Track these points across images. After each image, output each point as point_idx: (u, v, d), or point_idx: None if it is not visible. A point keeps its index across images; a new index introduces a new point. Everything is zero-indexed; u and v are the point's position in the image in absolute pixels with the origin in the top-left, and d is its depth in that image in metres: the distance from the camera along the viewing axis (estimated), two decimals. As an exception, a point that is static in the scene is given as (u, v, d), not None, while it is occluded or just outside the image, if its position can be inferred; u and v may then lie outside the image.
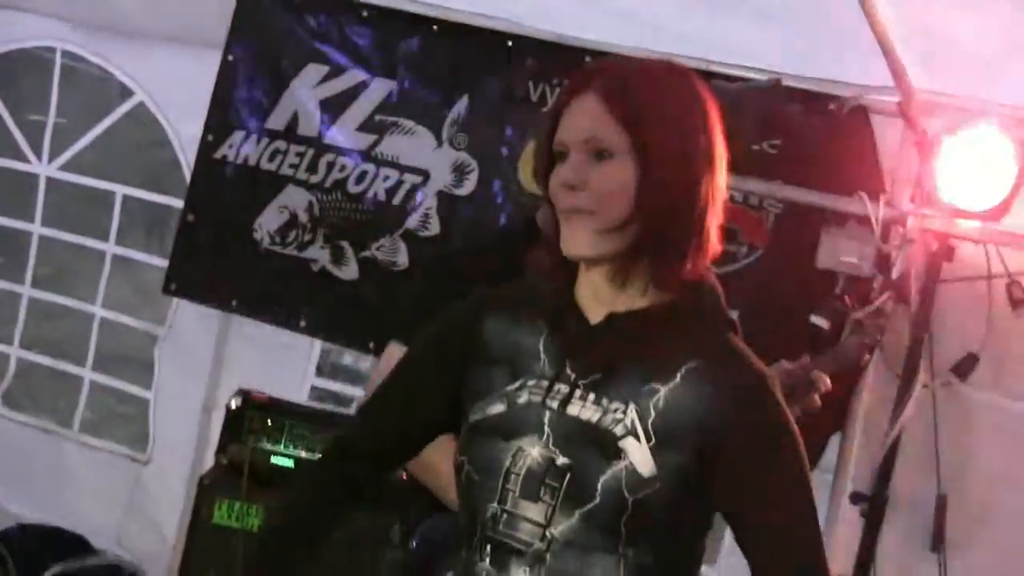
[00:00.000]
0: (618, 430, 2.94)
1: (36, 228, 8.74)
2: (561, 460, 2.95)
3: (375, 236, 7.43)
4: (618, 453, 2.92)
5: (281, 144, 7.63)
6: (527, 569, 2.97)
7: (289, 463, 6.41)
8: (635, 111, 2.91)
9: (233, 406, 6.59)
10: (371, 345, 7.53)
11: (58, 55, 8.60)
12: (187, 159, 8.03)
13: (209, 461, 7.26)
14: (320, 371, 8.18)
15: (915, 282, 6.11)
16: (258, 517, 6.35)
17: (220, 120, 7.76)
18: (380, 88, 7.48)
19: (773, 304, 6.40)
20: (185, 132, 8.04)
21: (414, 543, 4.11)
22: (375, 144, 7.45)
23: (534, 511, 2.96)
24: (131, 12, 8.06)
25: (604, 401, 2.98)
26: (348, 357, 9.06)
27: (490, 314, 3.19)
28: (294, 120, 7.63)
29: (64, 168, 8.71)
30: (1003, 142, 5.86)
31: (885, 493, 6.12)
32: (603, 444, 2.95)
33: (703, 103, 3.02)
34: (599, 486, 2.91)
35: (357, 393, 9.07)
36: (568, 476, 2.94)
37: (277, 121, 7.66)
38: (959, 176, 5.91)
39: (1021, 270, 6.05)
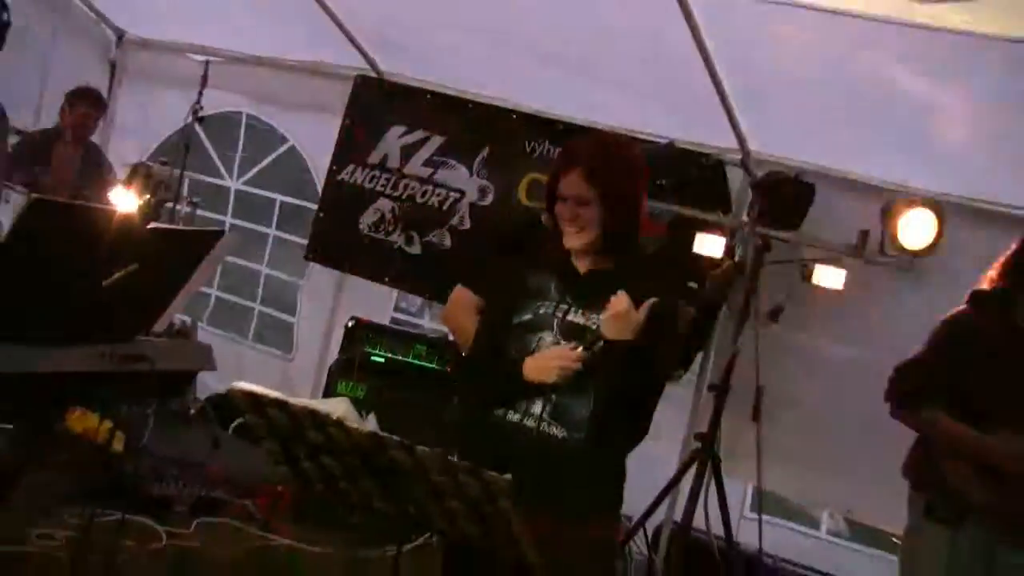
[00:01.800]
0: (594, 327, 3.42)
1: (228, 219, 8.96)
2: (563, 343, 3.43)
3: (432, 228, 7.70)
4: (596, 339, 3.40)
5: (376, 172, 7.88)
6: (542, 401, 3.41)
7: (381, 360, 6.83)
8: (600, 180, 3.41)
9: (349, 325, 6.98)
10: (427, 293, 7.89)
11: (244, 117, 8.83)
12: (319, 180, 8.21)
13: (330, 359, 7.53)
14: (396, 308, 8.44)
15: (748, 263, 6.36)
16: (362, 391, 6.72)
17: (341, 157, 8.01)
18: (436, 141, 7.72)
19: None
20: (318, 164, 8.22)
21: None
22: (432, 174, 7.71)
23: None
24: (287, 92, 8.33)
25: (587, 314, 3.46)
26: (403, 302, 9.23)
27: (528, 268, 3.61)
28: (385, 158, 7.86)
29: (245, 183, 8.93)
30: (801, 184, 6.25)
31: (727, 385, 6.26)
32: (586, 335, 3.42)
33: (636, 166, 3.53)
34: None
35: (412, 319, 9.38)
36: None
37: (375, 159, 7.89)
38: (776, 203, 6.23)
39: (811, 258, 6.26)
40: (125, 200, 6.72)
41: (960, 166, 6.10)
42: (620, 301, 3.35)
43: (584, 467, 3.43)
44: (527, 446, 3.42)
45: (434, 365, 6.89)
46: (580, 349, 3.34)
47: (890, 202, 6.06)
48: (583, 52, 6.69)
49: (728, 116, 6.43)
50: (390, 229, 7.85)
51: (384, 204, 7.88)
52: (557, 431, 3.42)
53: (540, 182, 7.16)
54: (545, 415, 3.42)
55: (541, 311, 3.51)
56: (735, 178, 6.83)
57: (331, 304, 8.24)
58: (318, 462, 2.92)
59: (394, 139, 7.89)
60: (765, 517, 6.53)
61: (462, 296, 4.76)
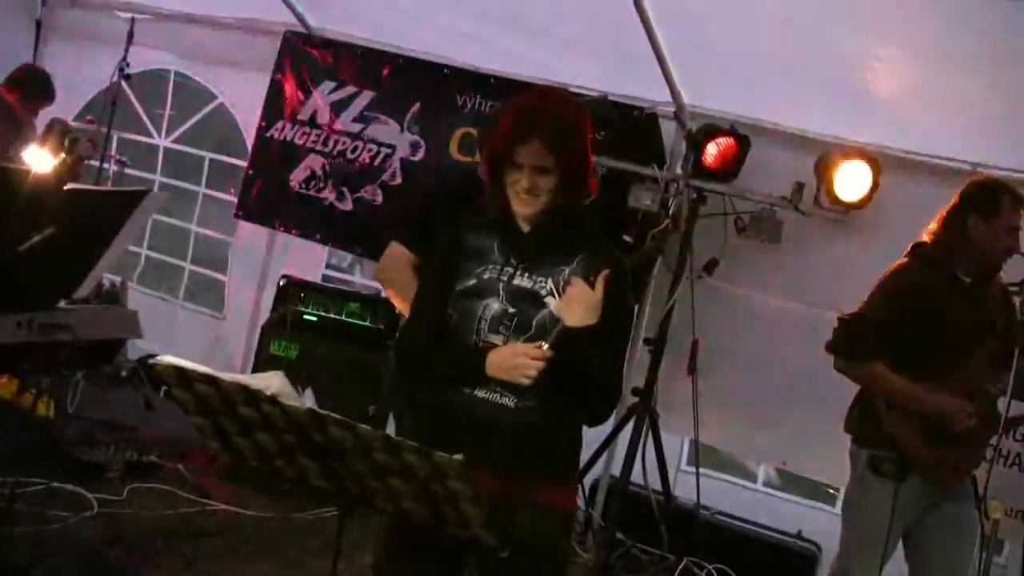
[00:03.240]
0: (543, 292, 3.15)
1: (157, 177, 8.57)
2: (511, 310, 3.14)
3: (363, 184, 7.41)
4: (543, 304, 3.13)
5: (306, 129, 7.58)
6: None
7: (314, 318, 6.55)
8: (561, 149, 3.12)
9: (281, 284, 6.69)
10: (358, 249, 7.66)
11: (172, 74, 8.49)
12: (248, 137, 7.90)
13: (262, 318, 7.28)
14: (327, 265, 8.22)
15: (683, 216, 6.21)
16: (295, 350, 6.47)
17: (270, 113, 7.69)
18: (367, 96, 7.44)
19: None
20: (248, 121, 7.91)
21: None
22: (363, 130, 7.42)
23: (497, 339, 3.14)
24: (215, 48, 8.03)
25: (534, 276, 3.17)
26: (334, 258, 9.01)
27: (468, 229, 3.30)
28: (315, 114, 7.57)
29: (174, 141, 8.60)
30: (730, 140, 6.01)
31: (663, 338, 6.20)
32: (534, 300, 3.15)
33: (585, 126, 3.23)
34: (534, 323, 3.13)
35: (343, 276, 9.16)
36: (515, 319, 3.14)
37: (304, 115, 7.59)
38: (711, 156, 6.02)
39: (744, 211, 6.17)
40: (39, 160, 6.19)
41: (896, 119, 5.93)
42: (577, 286, 3.12)
43: (535, 435, 3.18)
44: (478, 415, 3.16)
45: (367, 322, 6.61)
46: (546, 348, 3.08)
47: (825, 154, 5.99)
48: (514, 4, 6.45)
49: (662, 68, 6.20)
50: (321, 186, 7.57)
51: (314, 161, 7.59)
52: (508, 401, 3.16)
53: (472, 136, 7.01)
54: (497, 387, 3.16)
55: (485, 275, 3.23)
56: (668, 131, 6.64)
57: (262, 262, 7.99)
58: (251, 438, 2.63)
59: (324, 95, 7.60)
60: (702, 470, 6.43)
61: (396, 252, 4.54)
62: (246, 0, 7.59)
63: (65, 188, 3.33)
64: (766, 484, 7.44)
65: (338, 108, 7.55)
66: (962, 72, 5.46)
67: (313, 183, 7.59)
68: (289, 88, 7.70)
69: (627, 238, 6.14)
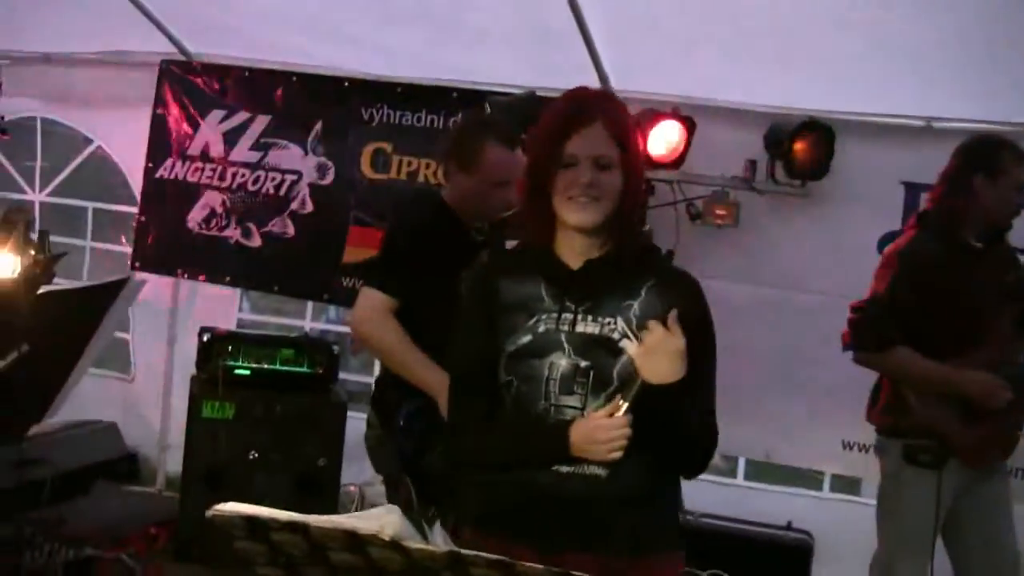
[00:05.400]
0: (615, 335, 2.77)
1: (36, 236, 7.90)
2: (583, 363, 2.76)
3: (270, 217, 6.91)
4: (620, 350, 2.75)
5: (199, 164, 7.03)
6: None
7: (247, 371, 6.06)
8: (625, 139, 2.77)
9: (205, 339, 6.15)
10: (275, 288, 7.13)
11: (38, 122, 7.83)
12: (134, 180, 7.34)
13: (176, 376, 6.96)
14: (240, 308, 7.69)
15: None
16: (231, 410, 5.96)
17: (156, 152, 7.13)
18: (261, 121, 6.93)
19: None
20: (131, 163, 7.35)
21: (400, 422, 3.84)
22: (262, 158, 6.91)
23: (572, 400, 2.76)
24: (84, 87, 7.40)
25: (599, 318, 2.79)
26: (247, 301, 8.38)
27: (500, 276, 2.91)
28: (207, 147, 7.02)
29: (51, 194, 7.95)
30: (675, 124, 5.68)
31: None
32: (608, 346, 2.77)
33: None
34: (614, 374, 2.75)
35: (262, 318, 8.64)
36: (591, 373, 2.76)
37: (195, 149, 7.04)
38: (655, 142, 5.67)
39: (696, 196, 5.91)
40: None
41: (845, 80, 5.66)
42: (655, 332, 2.66)
43: (637, 506, 2.81)
44: (567, 495, 2.78)
45: (304, 368, 6.14)
46: (624, 409, 2.68)
47: (776, 126, 5.73)
48: (419, 1, 6.00)
49: (589, 52, 5.83)
50: (223, 224, 7.02)
51: (213, 197, 7.04)
52: (599, 471, 2.76)
53: (384, 151, 6.65)
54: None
55: (541, 328, 2.81)
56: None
57: (168, 315, 7.41)
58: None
59: (214, 125, 7.05)
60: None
61: (374, 299, 4.13)
62: (114, 32, 6.96)
63: (39, 293, 2.81)
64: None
65: (231, 138, 7.02)
66: (907, 22, 5.18)
67: (214, 222, 7.05)
68: (174, 122, 7.15)
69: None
